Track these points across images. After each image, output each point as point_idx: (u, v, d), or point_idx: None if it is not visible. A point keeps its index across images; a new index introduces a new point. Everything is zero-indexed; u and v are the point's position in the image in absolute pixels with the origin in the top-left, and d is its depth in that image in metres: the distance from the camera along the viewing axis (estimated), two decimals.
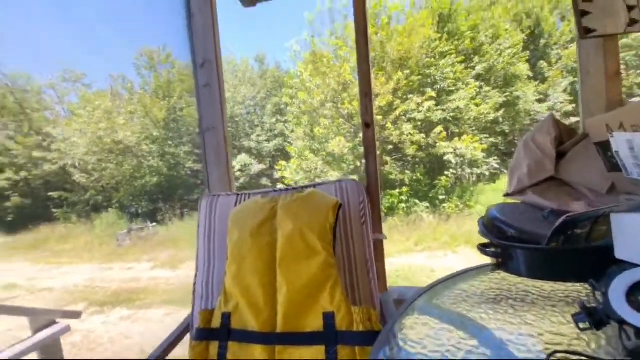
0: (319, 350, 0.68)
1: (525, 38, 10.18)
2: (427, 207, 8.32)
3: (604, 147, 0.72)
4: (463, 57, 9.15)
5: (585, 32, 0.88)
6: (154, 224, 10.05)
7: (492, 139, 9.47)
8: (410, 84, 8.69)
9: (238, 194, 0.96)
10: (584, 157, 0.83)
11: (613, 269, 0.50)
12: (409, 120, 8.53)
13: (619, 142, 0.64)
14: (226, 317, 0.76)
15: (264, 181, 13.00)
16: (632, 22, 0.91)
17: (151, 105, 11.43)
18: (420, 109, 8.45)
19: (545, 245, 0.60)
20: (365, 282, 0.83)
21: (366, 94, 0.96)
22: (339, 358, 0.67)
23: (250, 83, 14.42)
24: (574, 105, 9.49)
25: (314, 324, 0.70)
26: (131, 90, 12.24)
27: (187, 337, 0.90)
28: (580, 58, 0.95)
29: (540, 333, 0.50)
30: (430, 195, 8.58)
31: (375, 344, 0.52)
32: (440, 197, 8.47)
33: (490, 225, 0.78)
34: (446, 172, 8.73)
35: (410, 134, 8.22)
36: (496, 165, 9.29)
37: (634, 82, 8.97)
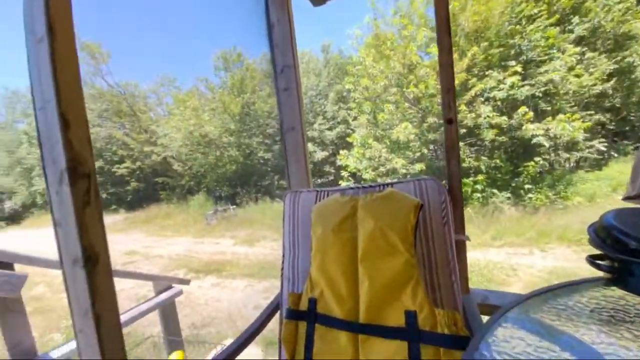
0: (401, 346, 0.70)
1: None
2: (509, 198, 7.37)
3: None
4: (557, 18, 7.52)
5: None
6: (234, 206, 11.41)
7: (597, 116, 7.72)
8: (489, 57, 7.59)
9: (317, 191, 1.03)
10: None
11: None
12: (487, 100, 7.52)
13: None
14: (312, 302, 0.85)
15: (327, 168, 13.28)
16: None
17: (228, 101, 12.80)
18: (502, 86, 7.33)
19: None
20: (447, 284, 0.82)
21: (448, 90, 0.91)
22: (422, 356, 0.68)
23: (315, 73, 14.70)
24: None
25: (396, 320, 0.73)
26: (212, 90, 13.95)
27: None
28: None
29: None
30: (513, 184, 7.56)
31: (465, 354, 0.52)
32: (526, 187, 7.39)
33: (606, 235, 0.68)
34: (535, 158, 7.53)
35: (488, 116, 7.26)
36: (603, 148, 7.60)
37: None
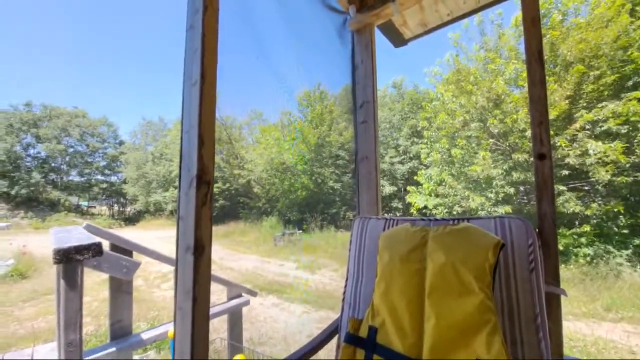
0: None
1: None
2: (630, 260, 5.80)
3: None
4: None
5: None
6: (301, 231, 11.86)
7: None
8: (600, 88, 6.51)
9: (387, 219, 1.04)
10: None
11: None
12: (600, 135, 6.33)
13: None
14: (373, 330, 0.83)
15: (395, 203, 12.83)
16: None
17: (307, 132, 14.00)
18: (620, 116, 6.10)
19: None
20: (533, 340, 0.71)
21: (541, 122, 0.85)
22: None
23: (387, 107, 14.98)
24: None
25: None
26: (294, 123, 15.63)
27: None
28: None
29: None
30: (637, 241, 5.94)
31: None
32: None
33: None
34: None
35: (600, 152, 6.05)
36: None
37: None
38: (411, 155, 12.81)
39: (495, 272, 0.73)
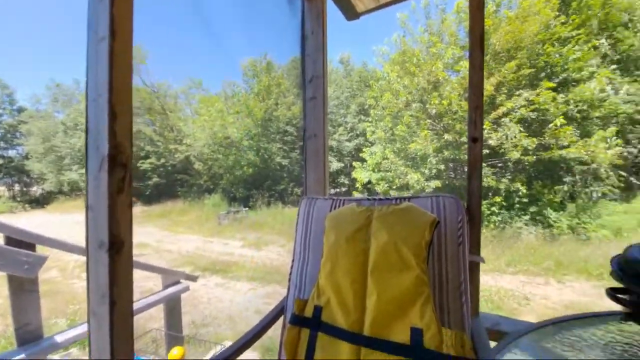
0: None
1: None
2: (526, 224, 7.09)
3: None
4: (594, 41, 7.34)
5: None
6: (247, 208, 11.57)
7: (633, 144, 7.38)
8: (520, 78, 7.45)
9: (333, 199, 1.04)
10: None
11: None
12: (515, 119, 7.35)
13: None
14: (318, 309, 0.85)
15: (342, 179, 13.27)
16: None
17: (253, 106, 13.19)
18: (532, 105, 7.14)
19: None
20: (457, 305, 0.80)
21: (477, 107, 0.91)
22: None
23: (335, 84, 14.93)
24: None
25: (401, 336, 0.72)
26: (238, 94, 14.49)
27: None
28: None
29: None
30: (533, 209, 7.26)
31: None
32: (548, 213, 7.09)
33: (629, 269, 0.65)
34: (560, 183, 7.23)
35: (515, 136, 7.06)
36: (633, 180, 7.21)
37: None
38: (358, 133, 13.21)
39: (430, 248, 0.79)
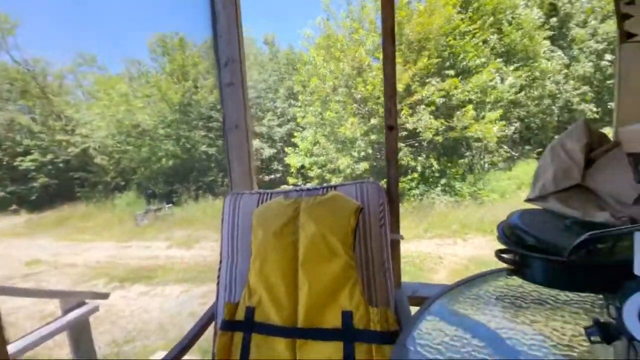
0: (337, 346, 0.72)
1: (544, 15, 9.66)
2: (438, 195, 8.26)
3: (637, 158, 0.70)
4: (487, 36, 8.74)
5: (626, 37, 0.83)
6: (170, 204, 10.43)
7: (513, 122, 9.19)
8: (429, 67, 8.37)
9: (260, 193, 0.99)
10: (612, 166, 0.81)
11: (631, 284, 0.51)
12: (427, 104, 8.28)
13: None
14: (250, 311, 0.82)
15: (275, 165, 13.10)
16: None
17: (166, 88, 11.53)
18: (440, 92, 8.16)
19: (565, 257, 0.60)
20: (382, 282, 0.87)
21: (391, 96, 0.96)
22: (356, 355, 0.71)
23: (260, 65, 14.23)
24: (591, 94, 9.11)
25: (333, 321, 0.75)
26: (146, 75, 12.39)
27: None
28: (620, 62, 0.90)
29: (553, 344, 0.53)
30: (443, 181, 8.48)
31: (393, 350, 0.55)
32: (454, 184, 8.36)
33: (510, 233, 0.79)
34: (462, 158, 8.57)
35: (427, 120, 8.01)
36: (513, 152, 9.04)
37: None
38: (289, 118, 13.04)
39: (356, 232, 0.83)
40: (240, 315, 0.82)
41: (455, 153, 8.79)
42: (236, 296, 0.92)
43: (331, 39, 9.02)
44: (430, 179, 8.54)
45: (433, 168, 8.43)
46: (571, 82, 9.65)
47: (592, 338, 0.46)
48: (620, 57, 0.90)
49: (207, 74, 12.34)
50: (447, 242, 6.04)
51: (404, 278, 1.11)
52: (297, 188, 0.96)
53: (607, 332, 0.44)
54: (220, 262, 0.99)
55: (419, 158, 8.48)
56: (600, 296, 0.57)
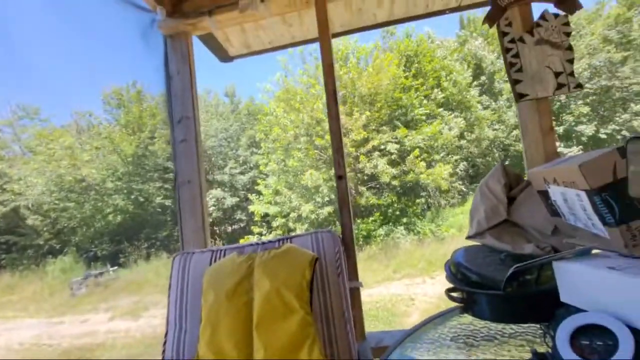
0: None
1: (472, 73, 11.68)
2: (402, 234, 8.52)
3: (545, 195, 0.81)
4: (428, 93, 10.14)
5: (519, 97, 1.04)
6: (115, 267, 9.22)
7: (458, 163, 10.25)
8: (381, 117, 9.28)
9: (213, 251, 0.95)
10: (530, 202, 0.93)
11: (560, 311, 0.56)
12: (382, 151, 8.95)
13: (555, 194, 0.73)
14: None
15: (239, 215, 12.65)
16: (560, 86, 1.10)
17: (119, 140, 11.03)
18: (393, 140, 8.96)
19: (501, 290, 0.66)
20: (343, 334, 0.84)
21: (338, 149, 1.04)
22: None
23: (223, 117, 14.56)
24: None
25: None
26: (97, 127, 11.81)
27: None
28: (520, 117, 1.11)
29: None
30: (405, 220, 8.83)
31: None
32: (415, 222, 8.74)
33: (456, 271, 0.84)
34: (419, 197, 9.15)
35: (384, 164, 8.62)
36: (464, 189, 9.93)
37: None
38: (251, 165, 13.05)
39: (313, 285, 0.81)
40: None
41: (412, 193, 9.39)
42: None
43: (290, 92, 9.71)
44: (393, 218, 8.86)
45: (394, 206, 8.83)
46: (502, 127, 11.33)
47: None
48: (520, 112, 1.11)
49: (164, 125, 12.16)
50: (416, 282, 6.06)
51: (378, 324, 1.09)
52: (253, 242, 0.94)
53: None
54: (167, 332, 0.89)
55: (381, 199, 8.89)
56: (539, 326, 0.62)
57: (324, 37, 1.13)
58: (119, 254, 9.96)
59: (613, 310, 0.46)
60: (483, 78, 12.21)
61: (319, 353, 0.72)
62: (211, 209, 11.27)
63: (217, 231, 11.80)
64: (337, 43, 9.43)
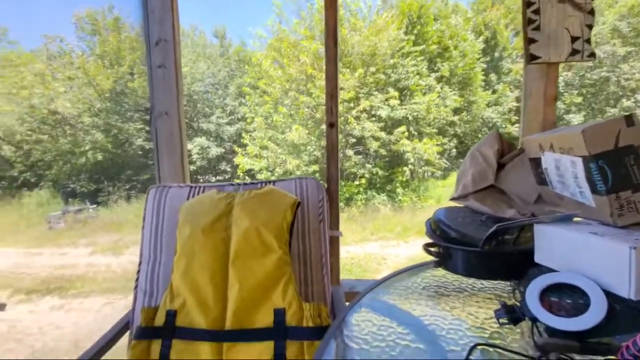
0: (267, 346, 0.68)
1: (482, 47, 11.09)
2: (384, 201, 8.76)
3: (536, 162, 0.81)
4: (429, 59, 9.65)
5: (531, 59, 0.97)
6: (95, 205, 9.11)
7: (447, 140, 10.24)
8: (376, 81, 8.88)
9: (191, 186, 0.91)
10: (519, 169, 0.93)
11: (533, 270, 0.58)
12: (373, 116, 8.75)
13: (548, 161, 0.72)
14: (171, 314, 0.73)
15: (223, 166, 12.48)
16: (574, 52, 1.03)
17: (95, 72, 10.10)
18: (385, 106, 8.70)
19: (480, 247, 0.67)
20: (319, 277, 0.85)
21: (332, 96, 0.97)
22: (287, 353, 0.68)
23: (210, 60, 13.50)
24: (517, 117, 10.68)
25: (265, 320, 0.71)
26: (70, 54, 10.65)
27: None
28: (525, 81, 1.05)
29: (468, 327, 0.57)
30: (389, 188, 9.03)
31: (322, 341, 0.54)
32: (397, 191, 8.96)
33: (436, 227, 0.85)
34: (404, 168, 9.26)
35: (373, 130, 8.47)
36: (448, 164, 10.12)
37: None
38: (239, 117, 12.55)
39: (293, 228, 0.80)
40: (159, 320, 0.73)
41: (398, 163, 9.48)
42: (157, 301, 0.82)
43: (283, 42, 9.02)
44: (377, 185, 9.04)
45: (379, 175, 8.94)
46: (499, 109, 11.25)
47: (500, 320, 0.50)
48: (526, 75, 1.05)
49: (145, 58, 11.09)
50: (391, 244, 6.40)
51: (351, 278, 1.13)
52: (234, 183, 0.90)
53: (513, 314, 0.49)
54: (140, 263, 0.88)
55: (367, 165, 8.93)
56: (509, 283, 0.64)
57: None
58: (99, 192, 9.76)
59: (590, 274, 0.46)
60: (494, 54, 11.70)
61: (293, 291, 0.73)
62: (195, 156, 10.98)
63: (201, 180, 11.65)
64: None
